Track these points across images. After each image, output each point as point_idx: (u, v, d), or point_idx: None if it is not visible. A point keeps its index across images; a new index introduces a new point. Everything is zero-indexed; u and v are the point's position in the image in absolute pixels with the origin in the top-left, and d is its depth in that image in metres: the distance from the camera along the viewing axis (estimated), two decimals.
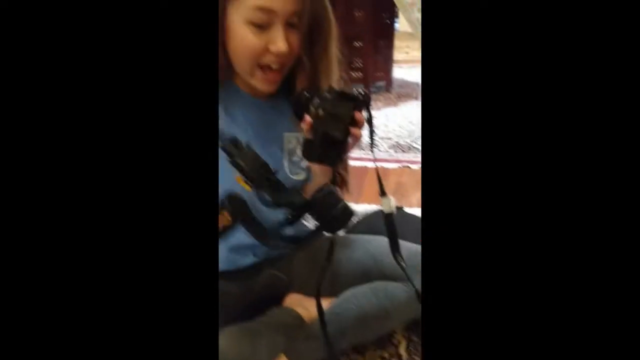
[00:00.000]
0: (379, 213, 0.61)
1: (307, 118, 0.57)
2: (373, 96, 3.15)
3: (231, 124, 0.72)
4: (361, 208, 1.21)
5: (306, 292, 0.82)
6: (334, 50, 0.70)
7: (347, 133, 0.56)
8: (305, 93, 0.59)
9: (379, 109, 2.78)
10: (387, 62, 3.30)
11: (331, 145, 0.56)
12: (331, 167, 0.60)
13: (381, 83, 3.40)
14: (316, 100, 0.56)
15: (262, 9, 0.59)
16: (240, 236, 0.75)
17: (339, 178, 0.67)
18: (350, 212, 0.54)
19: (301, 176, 0.79)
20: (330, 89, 0.57)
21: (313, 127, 0.57)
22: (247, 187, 0.55)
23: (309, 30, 0.64)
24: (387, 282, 0.70)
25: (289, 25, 0.62)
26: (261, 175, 0.55)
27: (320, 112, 0.55)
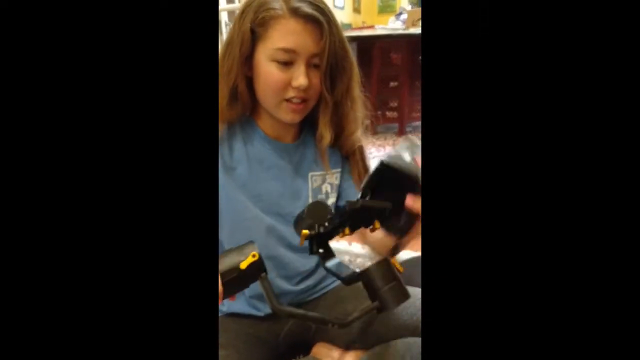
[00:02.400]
0: (415, 261, 0.58)
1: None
2: (408, 136, 3.16)
3: (256, 167, 0.73)
4: (399, 255, 1.17)
5: (333, 342, 0.78)
6: (357, 91, 0.74)
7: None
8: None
9: None
10: None
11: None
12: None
13: (417, 123, 3.40)
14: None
15: (285, 50, 0.65)
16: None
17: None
18: (402, 295, 0.49)
19: None
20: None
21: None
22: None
23: (331, 71, 0.69)
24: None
25: (311, 65, 0.68)
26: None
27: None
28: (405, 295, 0.49)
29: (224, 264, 0.49)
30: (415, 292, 0.73)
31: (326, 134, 0.73)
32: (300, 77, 0.66)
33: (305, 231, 0.53)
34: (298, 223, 0.55)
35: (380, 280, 0.49)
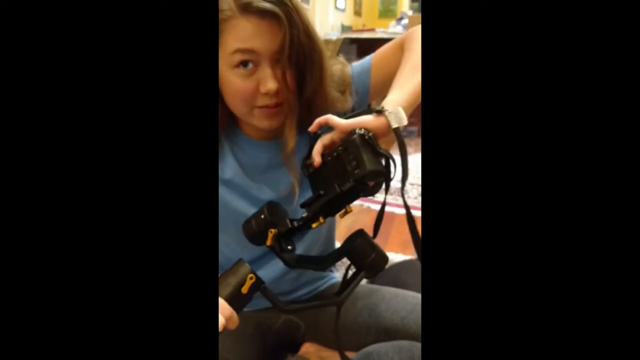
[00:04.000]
0: (405, 264, 0.59)
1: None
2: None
3: (253, 173, 0.71)
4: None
5: (322, 342, 0.78)
6: (329, 85, 0.66)
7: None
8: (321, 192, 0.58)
9: (409, 154, 2.76)
10: (420, 108, 3.31)
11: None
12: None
13: (413, 128, 3.40)
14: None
15: (242, 51, 0.58)
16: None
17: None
18: (385, 258, 0.56)
19: None
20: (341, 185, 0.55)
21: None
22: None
23: (299, 66, 0.60)
24: (412, 342, 0.66)
25: (276, 63, 0.60)
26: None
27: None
28: (386, 260, 0.57)
29: (226, 292, 0.51)
30: (408, 295, 0.73)
31: (289, 140, 0.64)
32: (268, 82, 0.58)
33: (274, 230, 0.54)
34: (256, 225, 0.55)
35: (364, 253, 0.56)
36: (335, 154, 0.55)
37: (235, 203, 0.70)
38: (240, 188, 0.70)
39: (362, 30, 4.07)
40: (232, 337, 0.72)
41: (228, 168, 0.69)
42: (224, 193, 0.69)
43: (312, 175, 0.58)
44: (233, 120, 0.69)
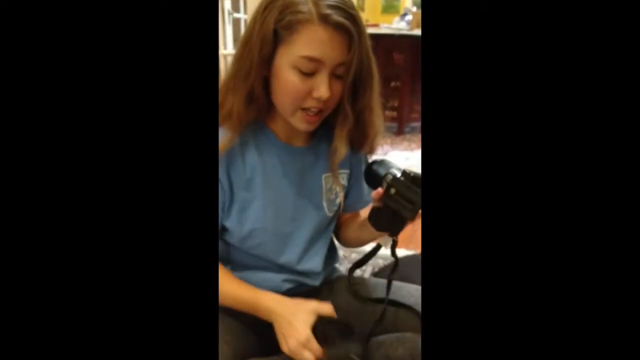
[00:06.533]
0: (409, 259, 0.60)
1: (379, 190, 0.64)
2: (407, 136, 3.18)
3: (269, 170, 0.72)
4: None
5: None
6: (377, 101, 0.71)
7: (416, 215, 0.61)
8: (379, 168, 0.68)
9: (412, 150, 2.77)
10: None
11: (398, 220, 0.63)
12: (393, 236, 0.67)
13: (416, 124, 3.40)
14: (389, 177, 0.64)
15: (310, 59, 0.61)
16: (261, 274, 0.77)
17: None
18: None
19: (332, 213, 0.79)
20: (405, 173, 0.62)
21: (383, 200, 0.64)
22: None
23: (354, 83, 0.65)
24: (415, 334, 0.67)
25: (334, 75, 0.64)
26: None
27: (393, 190, 0.62)
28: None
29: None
30: (412, 288, 0.74)
31: (341, 148, 0.69)
32: (322, 88, 0.62)
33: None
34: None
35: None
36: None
37: (247, 203, 0.70)
38: (258, 188, 0.70)
39: (365, 26, 4.06)
40: (232, 330, 0.73)
41: (250, 167, 0.70)
42: (243, 194, 0.70)
43: None
44: (262, 118, 0.71)
